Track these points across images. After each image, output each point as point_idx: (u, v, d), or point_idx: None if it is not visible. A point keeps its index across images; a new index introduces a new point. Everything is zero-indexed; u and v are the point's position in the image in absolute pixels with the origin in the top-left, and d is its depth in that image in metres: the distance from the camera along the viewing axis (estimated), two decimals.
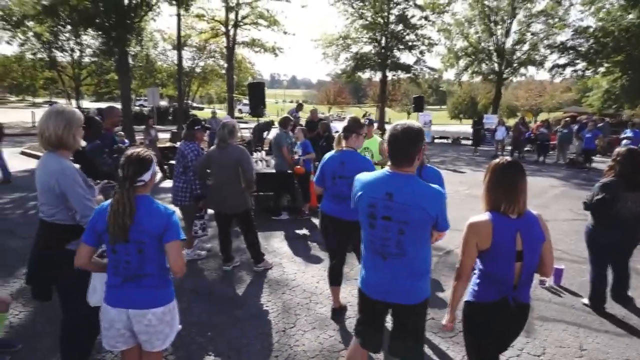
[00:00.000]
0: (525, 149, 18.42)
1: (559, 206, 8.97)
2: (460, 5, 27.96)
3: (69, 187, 2.55)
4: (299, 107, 12.67)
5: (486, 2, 26.57)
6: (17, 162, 10.89)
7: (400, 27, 27.19)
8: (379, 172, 2.41)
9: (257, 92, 10.90)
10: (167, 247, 2.31)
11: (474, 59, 27.99)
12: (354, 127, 3.78)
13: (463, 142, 24.23)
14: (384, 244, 2.31)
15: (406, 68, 28.25)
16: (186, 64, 29.00)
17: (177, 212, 2.61)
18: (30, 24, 20.46)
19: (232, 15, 23.53)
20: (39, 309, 4.05)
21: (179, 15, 20.39)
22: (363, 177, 2.45)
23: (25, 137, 18.29)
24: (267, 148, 10.92)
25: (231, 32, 24.13)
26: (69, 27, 19.61)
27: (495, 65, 27.71)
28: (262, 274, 5.06)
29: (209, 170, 5.01)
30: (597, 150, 15.56)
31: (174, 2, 17.39)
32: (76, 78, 27.87)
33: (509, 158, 2.40)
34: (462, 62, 28.64)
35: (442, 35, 28.22)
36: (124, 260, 2.29)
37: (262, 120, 12.81)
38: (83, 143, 2.77)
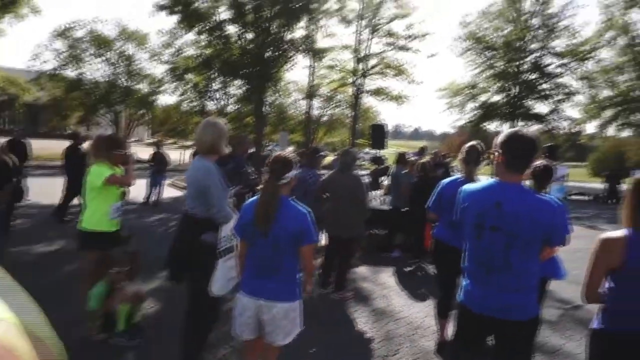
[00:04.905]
0: None
1: None
2: (608, 51, 25.48)
3: (211, 183, 2.93)
4: (422, 150, 12.82)
5: None
6: (166, 191, 12.63)
7: (534, 75, 25.84)
8: (487, 182, 2.34)
9: (378, 132, 11.49)
10: (303, 249, 2.53)
11: (624, 109, 25.13)
12: (473, 155, 3.73)
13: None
14: (489, 256, 2.21)
15: (539, 118, 26.45)
16: (315, 112, 30.90)
17: None
18: (190, 76, 23.88)
19: (360, 66, 24.75)
20: (169, 305, 4.57)
21: (312, 66, 22.14)
22: (470, 187, 2.40)
23: (175, 172, 21.03)
24: (382, 192, 11.05)
25: (358, 81, 25.30)
26: (219, 78, 22.43)
27: None
28: (369, 303, 5.04)
29: (326, 195, 5.26)
30: None
31: (308, 54, 19.00)
32: None
33: None
34: (607, 113, 25.91)
35: (584, 84, 26.00)
36: (260, 255, 2.53)
37: (379, 167, 13.18)
38: (227, 150, 3.19)
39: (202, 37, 18.62)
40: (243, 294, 2.57)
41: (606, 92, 25.93)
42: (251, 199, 2.68)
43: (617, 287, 2.08)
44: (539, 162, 3.58)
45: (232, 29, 18.26)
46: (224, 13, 18.02)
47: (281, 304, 2.49)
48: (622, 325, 2.06)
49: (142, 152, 16.83)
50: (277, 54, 17.83)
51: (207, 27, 17.69)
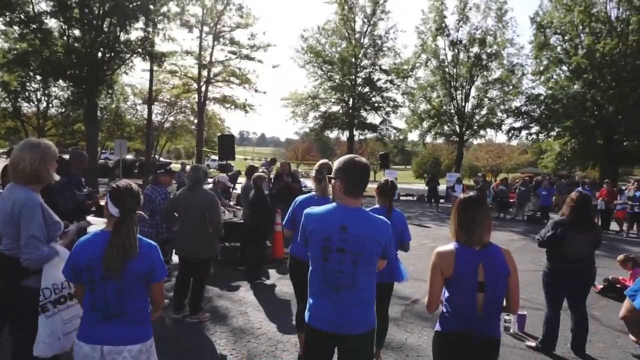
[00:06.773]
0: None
1: (519, 258, 9.18)
2: (423, 71, 29.65)
3: (25, 219, 2.48)
4: (272, 161, 13.34)
5: (447, 70, 28.41)
6: None
7: (366, 89, 28.52)
8: (329, 206, 2.45)
9: (226, 144, 11.26)
10: (153, 286, 2.33)
11: (437, 121, 29.41)
12: (324, 172, 3.90)
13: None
14: (337, 277, 2.32)
15: (372, 128, 29.33)
16: (156, 118, 29.11)
17: None
18: None
19: (204, 72, 24.14)
20: None
21: (151, 70, 20.76)
22: (314, 210, 2.46)
23: None
24: (233, 202, 10.98)
25: (203, 88, 24.63)
26: (38, 77, 19.56)
27: (457, 127, 29.18)
28: (227, 322, 4.90)
29: (176, 214, 4.96)
30: (554, 206, 16.29)
31: (147, 58, 17.78)
32: (40, 129, 27.40)
33: (471, 193, 2.54)
34: (425, 124, 30.01)
35: (406, 98, 29.70)
36: (103, 299, 2.22)
37: (229, 173, 13.15)
38: (57, 177, 2.71)
39: (15, 28, 15.97)
40: (83, 343, 2.23)
41: (423, 106, 30.04)
42: (82, 239, 2.32)
43: (448, 294, 2.41)
44: (384, 179, 3.95)
45: (53, 23, 16.08)
46: (42, 4, 15.80)
47: (130, 346, 2.24)
48: (452, 326, 2.40)
49: None
50: (110, 55, 16.26)
51: (18, 18, 15.21)
